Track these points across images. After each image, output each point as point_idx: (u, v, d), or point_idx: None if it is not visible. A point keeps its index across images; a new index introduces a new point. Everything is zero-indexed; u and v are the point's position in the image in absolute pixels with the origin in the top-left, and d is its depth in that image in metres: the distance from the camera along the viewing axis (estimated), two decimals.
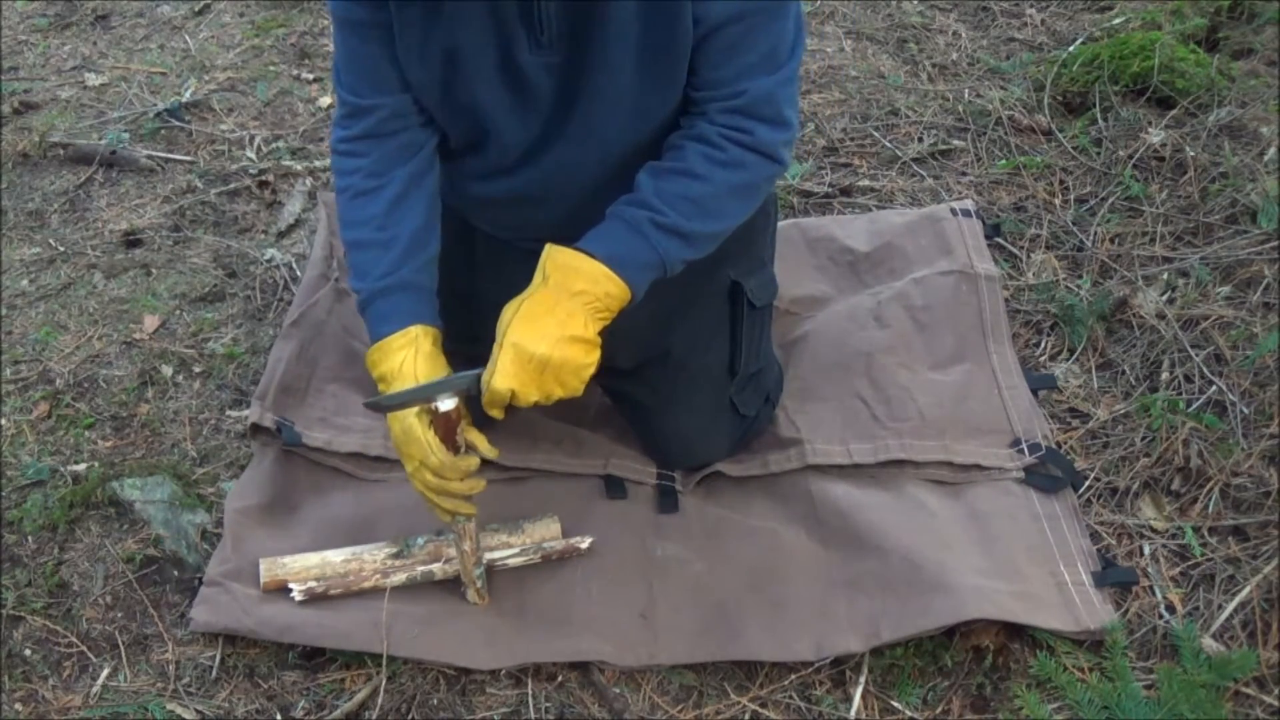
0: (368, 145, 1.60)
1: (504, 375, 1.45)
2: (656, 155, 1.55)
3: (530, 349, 1.44)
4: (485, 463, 1.86)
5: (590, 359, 1.48)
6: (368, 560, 1.72)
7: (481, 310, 1.55)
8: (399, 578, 1.70)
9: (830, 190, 2.50)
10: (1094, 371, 2.05)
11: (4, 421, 2.02)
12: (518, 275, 1.52)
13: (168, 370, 2.12)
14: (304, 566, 1.70)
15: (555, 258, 1.49)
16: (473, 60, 1.50)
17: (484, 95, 1.53)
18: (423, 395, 1.50)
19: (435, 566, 1.70)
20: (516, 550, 1.73)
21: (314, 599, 1.68)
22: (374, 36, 1.52)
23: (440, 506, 1.57)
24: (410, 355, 1.54)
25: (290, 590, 1.67)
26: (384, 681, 1.62)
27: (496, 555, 1.72)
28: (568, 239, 1.53)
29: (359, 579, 1.69)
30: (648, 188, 1.52)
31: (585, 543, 1.76)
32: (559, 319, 1.45)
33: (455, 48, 1.50)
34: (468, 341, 1.58)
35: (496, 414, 1.50)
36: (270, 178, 2.59)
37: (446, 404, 1.47)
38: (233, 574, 1.70)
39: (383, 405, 1.54)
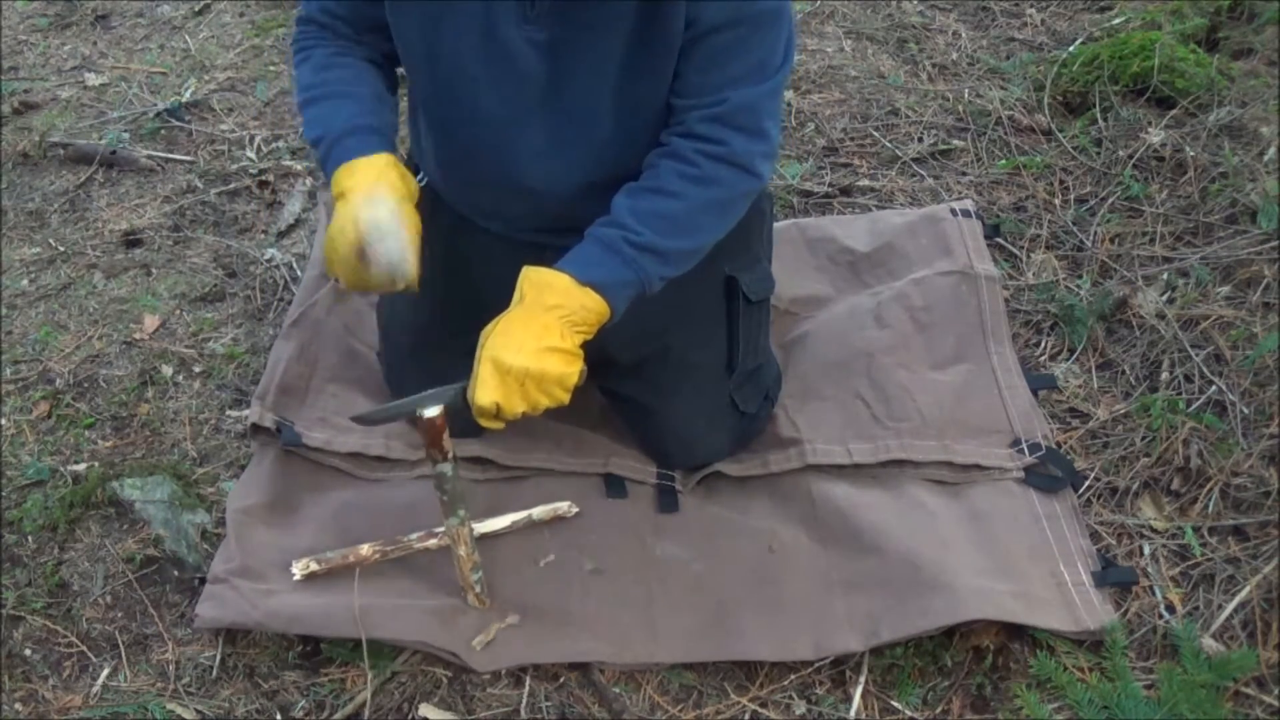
0: (328, 36, 1.63)
1: (485, 389, 1.46)
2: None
3: (508, 362, 1.45)
4: (485, 461, 1.88)
5: (571, 368, 1.49)
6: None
7: (477, 305, 1.55)
8: (394, 553, 1.74)
9: (830, 190, 2.50)
10: (1094, 371, 2.05)
11: (4, 421, 2.02)
12: (513, 270, 1.52)
13: (168, 370, 2.12)
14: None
15: (530, 277, 1.50)
16: (456, 24, 1.50)
17: (466, 62, 1.53)
18: (409, 408, 1.52)
19: (431, 543, 1.74)
20: (506, 522, 1.78)
21: (313, 578, 1.70)
22: None
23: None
24: (375, 175, 1.52)
25: (292, 570, 1.70)
26: (387, 676, 1.62)
27: (487, 529, 1.75)
28: (561, 235, 1.53)
29: (356, 555, 1.72)
30: (622, 207, 1.53)
31: (572, 510, 1.80)
32: (535, 332, 1.46)
33: (442, 9, 1.50)
34: (457, 333, 1.59)
35: (495, 425, 1.51)
36: (270, 178, 2.59)
37: (431, 411, 1.49)
38: (237, 571, 1.70)
39: (368, 420, 1.60)
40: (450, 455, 1.53)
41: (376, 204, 1.49)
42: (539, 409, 1.50)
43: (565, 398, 1.51)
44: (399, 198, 1.52)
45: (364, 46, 1.65)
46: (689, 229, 1.55)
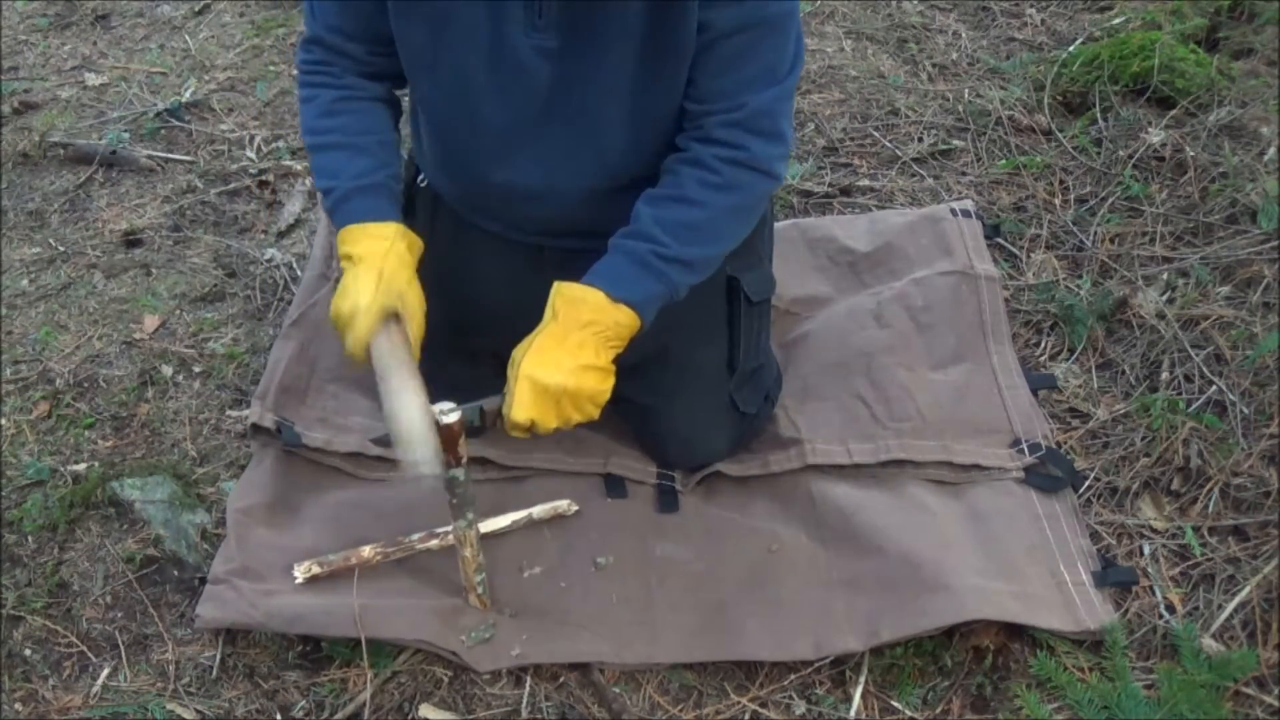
0: (336, 71, 1.61)
1: (522, 407, 1.46)
2: (658, 167, 1.55)
3: (545, 380, 1.45)
4: (485, 461, 1.88)
5: (605, 385, 1.50)
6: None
7: (478, 305, 1.55)
8: (395, 554, 1.74)
9: (830, 190, 2.50)
10: (1094, 371, 2.05)
11: (4, 421, 2.02)
12: (514, 270, 1.52)
13: (168, 370, 2.12)
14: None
15: (563, 293, 1.50)
16: (461, 31, 1.50)
17: (472, 70, 1.53)
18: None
19: (433, 543, 1.74)
20: (507, 521, 1.79)
21: (314, 580, 1.70)
22: None
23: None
24: (386, 247, 1.52)
25: (294, 573, 1.70)
26: (388, 676, 1.62)
27: (487, 528, 1.75)
28: (563, 237, 1.53)
29: (358, 557, 1.72)
30: (647, 218, 1.53)
31: (572, 509, 1.80)
32: (570, 350, 1.47)
33: (448, 14, 1.49)
34: (459, 334, 1.58)
35: (523, 436, 1.52)
36: (270, 178, 2.59)
37: (450, 417, 1.49)
38: (238, 571, 1.70)
39: (387, 441, 1.57)
40: (464, 460, 1.53)
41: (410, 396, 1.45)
42: (571, 425, 1.51)
43: (596, 413, 1.52)
44: (414, 302, 1.52)
45: (373, 81, 1.63)
46: (713, 236, 1.56)
